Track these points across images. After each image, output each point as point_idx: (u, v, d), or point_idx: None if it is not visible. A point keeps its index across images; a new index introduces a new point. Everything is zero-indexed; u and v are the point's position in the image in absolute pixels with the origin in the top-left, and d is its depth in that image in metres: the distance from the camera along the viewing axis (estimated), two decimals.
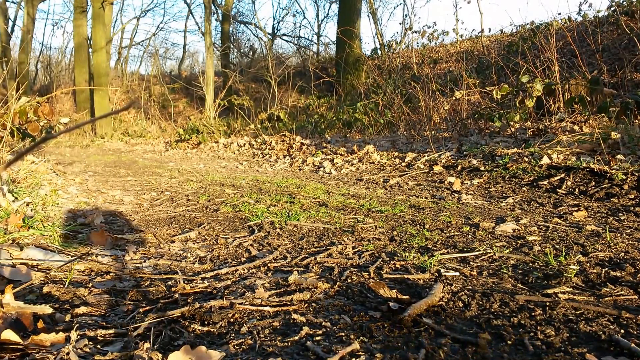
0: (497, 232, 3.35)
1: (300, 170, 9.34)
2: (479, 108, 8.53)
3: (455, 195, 5.19)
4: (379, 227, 3.65)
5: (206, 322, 1.97)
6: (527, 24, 13.73)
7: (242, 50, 25.23)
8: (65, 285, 2.39)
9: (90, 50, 22.40)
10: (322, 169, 8.91)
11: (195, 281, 2.60)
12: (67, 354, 1.57)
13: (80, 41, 22.26)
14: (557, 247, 2.86)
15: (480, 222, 3.61)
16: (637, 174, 4.48)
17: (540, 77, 7.91)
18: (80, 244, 3.33)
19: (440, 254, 2.81)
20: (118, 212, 4.81)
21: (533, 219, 3.72)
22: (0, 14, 22.67)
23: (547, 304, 2.01)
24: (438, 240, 3.18)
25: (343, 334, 1.78)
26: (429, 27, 17.58)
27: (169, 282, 2.55)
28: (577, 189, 4.65)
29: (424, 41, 16.72)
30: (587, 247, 2.81)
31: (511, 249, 2.87)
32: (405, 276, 2.44)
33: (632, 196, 4.20)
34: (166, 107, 22.62)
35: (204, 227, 4.02)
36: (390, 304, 2.06)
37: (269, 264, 2.83)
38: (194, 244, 3.50)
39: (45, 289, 2.31)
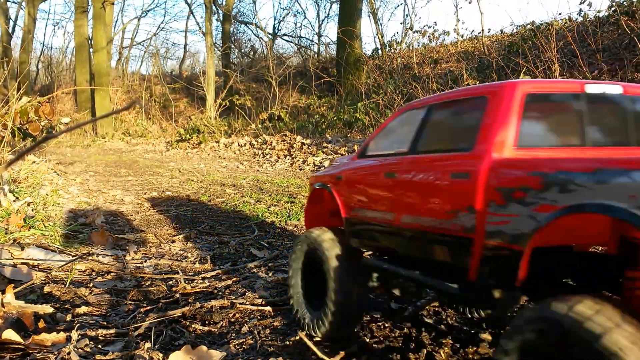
0: None
1: (301, 170, 9.34)
2: None
3: None
4: None
5: (207, 322, 1.97)
6: (528, 24, 13.73)
7: (242, 50, 25.28)
8: (66, 285, 2.40)
9: (91, 50, 22.42)
10: (322, 168, 8.92)
11: (196, 281, 2.60)
12: (68, 353, 1.57)
13: (81, 41, 22.28)
14: None
15: None
16: None
17: (540, 76, 7.89)
18: (81, 243, 3.33)
19: None
20: (119, 212, 4.81)
21: None
22: (1, 14, 22.72)
23: None
24: None
25: (344, 333, 1.78)
26: (429, 27, 17.58)
27: (170, 282, 2.55)
28: None
29: (424, 41, 16.73)
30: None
31: None
32: None
33: None
34: (167, 107, 22.65)
35: (205, 226, 4.02)
36: (391, 304, 2.06)
37: (269, 264, 2.83)
38: (194, 243, 3.51)
39: (46, 289, 2.31)
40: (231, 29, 23.30)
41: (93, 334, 1.80)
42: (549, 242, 1.31)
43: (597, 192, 1.17)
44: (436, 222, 1.57)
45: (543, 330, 1.14)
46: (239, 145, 13.85)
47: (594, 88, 1.56)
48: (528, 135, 1.47)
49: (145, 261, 3.00)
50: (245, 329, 1.87)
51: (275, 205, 4.90)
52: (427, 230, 1.60)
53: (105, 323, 1.97)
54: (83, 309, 2.09)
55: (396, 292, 1.82)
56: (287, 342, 1.73)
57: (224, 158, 12.65)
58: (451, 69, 12.06)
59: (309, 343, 1.68)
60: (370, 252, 2.04)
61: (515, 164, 1.39)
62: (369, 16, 22.70)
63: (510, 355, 1.17)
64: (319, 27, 24.54)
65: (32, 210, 3.83)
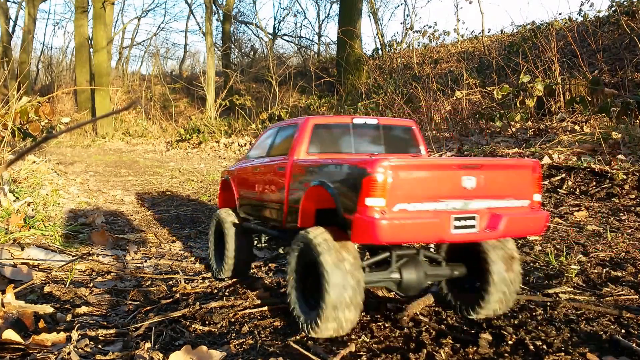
0: None
1: None
2: (480, 108, 8.51)
3: None
4: None
5: (207, 322, 1.97)
6: (528, 24, 13.73)
7: (243, 50, 25.28)
8: (67, 285, 2.40)
9: (91, 50, 22.43)
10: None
11: (196, 281, 2.60)
12: (68, 353, 1.57)
13: (81, 41, 22.28)
14: (558, 247, 2.86)
15: None
16: (637, 174, 4.48)
17: (540, 77, 7.89)
18: (81, 243, 3.33)
19: None
20: (119, 212, 4.81)
21: None
22: (1, 14, 22.73)
23: (548, 303, 2.02)
24: None
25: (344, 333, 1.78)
26: (429, 27, 17.57)
27: (170, 282, 2.55)
28: (578, 189, 4.64)
29: (424, 41, 16.73)
30: (588, 247, 2.81)
31: None
32: None
33: (633, 196, 4.20)
34: (167, 107, 22.66)
35: (205, 226, 4.02)
36: (388, 305, 2.06)
37: (269, 264, 2.83)
38: (195, 243, 3.51)
39: (47, 289, 2.31)
40: (231, 29, 23.29)
41: (93, 334, 1.80)
42: (321, 205, 2.32)
43: (322, 175, 2.24)
44: (272, 196, 2.69)
45: (301, 243, 2.11)
46: (239, 145, 13.85)
47: (358, 120, 2.80)
48: (315, 146, 2.61)
49: (146, 261, 3.00)
50: (245, 329, 1.87)
51: None
52: (269, 201, 2.72)
53: (105, 323, 1.97)
54: (83, 309, 2.09)
55: (265, 244, 2.95)
56: (287, 342, 1.73)
57: (224, 158, 12.66)
58: (451, 69, 12.05)
59: (309, 343, 1.68)
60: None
61: (301, 162, 2.49)
62: (369, 16, 22.65)
63: (292, 256, 2.15)
64: (319, 27, 24.51)
65: (33, 210, 3.83)
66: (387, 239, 1.91)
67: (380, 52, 17.73)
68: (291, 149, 2.61)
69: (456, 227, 1.97)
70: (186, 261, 2.99)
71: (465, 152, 7.24)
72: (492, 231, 2.02)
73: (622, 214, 3.71)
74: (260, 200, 2.87)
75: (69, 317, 1.98)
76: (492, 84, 9.08)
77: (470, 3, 14.01)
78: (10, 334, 1.59)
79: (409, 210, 1.96)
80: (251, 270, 2.74)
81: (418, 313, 1.94)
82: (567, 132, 6.35)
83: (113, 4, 22.88)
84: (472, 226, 2.03)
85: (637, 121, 5.70)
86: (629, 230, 3.20)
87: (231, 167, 3.45)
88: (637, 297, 2.08)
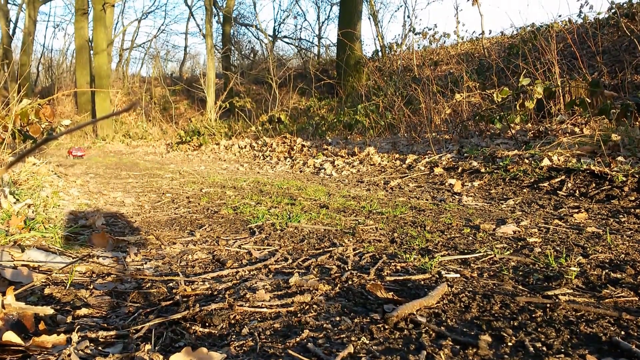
0: (497, 233, 3.35)
1: (301, 172, 9.35)
2: (480, 110, 8.53)
3: (456, 197, 5.20)
4: (380, 229, 3.65)
5: (207, 324, 1.97)
6: (528, 26, 13.75)
7: (243, 53, 25.30)
8: (67, 287, 2.40)
9: (91, 52, 22.46)
10: (322, 170, 8.92)
11: (196, 283, 2.60)
12: (69, 355, 1.57)
13: (81, 43, 22.31)
14: (558, 248, 2.86)
15: (480, 224, 3.62)
16: (637, 176, 4.48)
17: (540, 79, 7.91)
18: (81, 245, 3.33)
19: (441, 256, 2.81)
20: (119, 214, 4.82)
21: (533, 220, 3.72)
22: (1, 16, 22.73)
23: (548, 305, 2.01)
24: (439, 241, 3.19)
25: (344, 335, 1.78)
26: (430, 29, 17.52)
27: (170, 284, 2.55)
28: (577, 191, 4.65)
29: (424, 43, 16.75)
30: (588, 249, 2.81)
31: (512, 251, 2.87)
32: (406, 278, 2.44)
33: (633, 198, 4.20)
34: (167, 109, 22.66)
35: (205, 228, 4.02)
36: (385, 306, 2.07)
37: (269, 266, 2.83)
38: (195, 245, 3.51)
39: (47, 291, 2.31)
40: (231, 31, 23.29)
41: (93, 335, 1.80)
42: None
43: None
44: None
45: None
46: (239, 147, 13.84)
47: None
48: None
49: (146, 263, 3.00)
50: (245, 330, 1.87)
51: (275, 207, 4.90)
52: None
53: (105, 325, 1.97)
54: (83, 311, 2.09)
55: None
56: (288, 344, 1.73)
57: (224, 160, 12.65)
58: (451, 71, 12.06)
59: (309, 345, 1.68)
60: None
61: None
62: (369, 18, 22.68)
63: None
64: (319, 29, 24.56)
65: (33, 212, 3.83)
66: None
67: (380, 54, 17.74)
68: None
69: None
70: (186, 263, 2.99)
71: (465, 154, 7.24)
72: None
73: (621, 216, 3.72)
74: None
75: (69, 319, 1.98)
76: (492, 85, 9.08)
77: (473, 5, 14.04)
78: (10, 336, 1.59)
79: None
80: (252, 272, 2.74)
81: (415, 314, 1.94)
82: (567, 134, 6.36)
83: (113, 6, 22.89)
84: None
85: (637, 123, 5.72)
86: (629, 232, 3.20)
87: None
88: (637, 298, 2.08)
